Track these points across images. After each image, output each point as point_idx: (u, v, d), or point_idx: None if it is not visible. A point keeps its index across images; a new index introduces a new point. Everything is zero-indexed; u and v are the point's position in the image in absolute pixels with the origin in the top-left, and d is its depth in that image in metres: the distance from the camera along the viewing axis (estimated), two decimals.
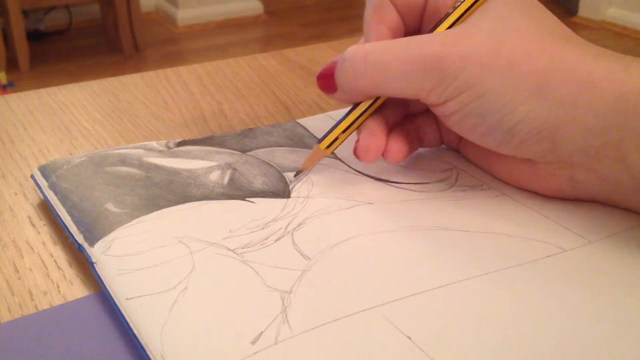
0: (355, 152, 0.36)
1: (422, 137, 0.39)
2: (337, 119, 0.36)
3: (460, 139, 0.39)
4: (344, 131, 0.36)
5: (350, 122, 0.36)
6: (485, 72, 0.32)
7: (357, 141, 0.36)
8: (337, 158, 0.39)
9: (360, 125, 0.36)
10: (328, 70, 0.36)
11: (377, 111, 0.36)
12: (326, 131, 0.36)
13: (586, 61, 0.31)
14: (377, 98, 0.36)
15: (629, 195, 0.33)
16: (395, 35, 0.37)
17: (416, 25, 0.38)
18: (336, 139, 0.36)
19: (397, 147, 0.36)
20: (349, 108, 0.36)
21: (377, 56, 0.34)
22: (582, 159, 0.32)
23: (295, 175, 0.36)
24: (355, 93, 0.35)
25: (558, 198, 0.35)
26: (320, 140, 0.36)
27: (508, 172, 0.36)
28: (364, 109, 0.36)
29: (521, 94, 0.31)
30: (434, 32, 0.34)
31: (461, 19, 0.34)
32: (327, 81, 0.36)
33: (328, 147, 0.36)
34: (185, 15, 3.12)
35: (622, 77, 0.31)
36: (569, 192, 0.34)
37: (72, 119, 0.46)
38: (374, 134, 0.36)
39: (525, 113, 0.32)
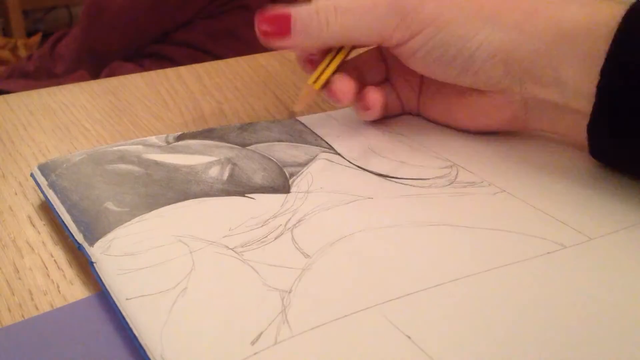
0: (331, 89, 0.40)
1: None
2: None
3: (419, 101, 0.43)
4: (327, 65, 0.40)
5: (331, 58, 0.40)
6: (444, 6, 0.36)
7: (332, 82, 0.40)
8: (336, 153, 0.39)
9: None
10: (282, 16, 0.38)
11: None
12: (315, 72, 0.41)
13: None
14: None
15: (560, 120, 0.37)
16: None
17: None
18: (321, 74, 0.40)
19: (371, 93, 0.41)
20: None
21: (346, 4, 0.37)
22: (530, 84, 0.36)
23: (289, 117, 0.40)
24: (325, 41, 0.39)
25: (510, 130, 0.40)
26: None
27: (468, 114, 0.40)
28: (345, 53, 0.40)
29: (476, 23, 0.36)
30: None
31: None
32: (280, 25, 0.38)
33: (315, 82, 0.40)
34: None
35: (560, 7, 0.35)
36: (521, 118, 0.39)
37: (72, 119, 0.46)
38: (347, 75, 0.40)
39: (482, 40, 0.36)
